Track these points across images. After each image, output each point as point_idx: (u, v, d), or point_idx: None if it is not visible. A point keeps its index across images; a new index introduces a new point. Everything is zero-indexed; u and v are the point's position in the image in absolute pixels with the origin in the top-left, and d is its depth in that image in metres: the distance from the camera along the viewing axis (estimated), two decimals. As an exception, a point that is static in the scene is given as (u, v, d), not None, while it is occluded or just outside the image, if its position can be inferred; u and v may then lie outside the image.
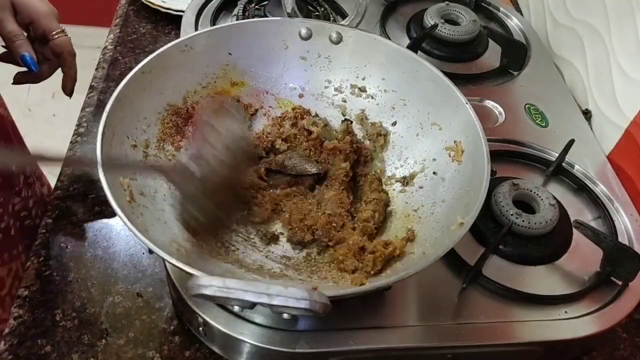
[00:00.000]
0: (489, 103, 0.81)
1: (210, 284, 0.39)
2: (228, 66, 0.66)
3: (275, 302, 0.39)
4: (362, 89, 0.68)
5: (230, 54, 0.66)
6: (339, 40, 0.67)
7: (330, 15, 0.89)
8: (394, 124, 0.67)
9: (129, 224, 0.46)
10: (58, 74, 0.70)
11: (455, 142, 0.60)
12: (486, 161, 0.54)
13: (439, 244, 0.52)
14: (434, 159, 0.62)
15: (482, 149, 0.55)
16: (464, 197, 0.55)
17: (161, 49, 0.60)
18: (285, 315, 0.40)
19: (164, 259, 0.45)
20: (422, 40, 0.84)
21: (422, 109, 0.64)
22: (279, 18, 0.68)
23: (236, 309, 0.40)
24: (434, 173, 0.61)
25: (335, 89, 0.69)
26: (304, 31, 0.67)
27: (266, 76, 0.68)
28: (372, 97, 0.68)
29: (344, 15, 0.92)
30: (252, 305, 0.39)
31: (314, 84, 0.69)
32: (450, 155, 0.60)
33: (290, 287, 0.39)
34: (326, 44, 0.67)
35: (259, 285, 0.39)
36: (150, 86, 0.60)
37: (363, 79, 0.68)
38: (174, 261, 0.45)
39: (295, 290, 0.39)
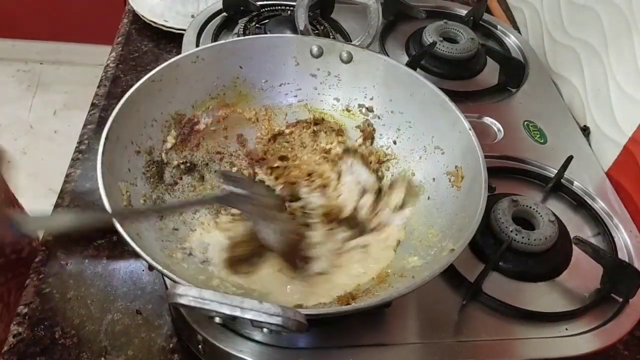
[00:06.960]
0: (488, 120, 0.82)
1: (186, 293, 0.39)
2: (238, 79, 0.67)
3: (248, 316, 0.39)
4: (370, 109, 0.69)
5: (241, 67, 0.67)
6: (349, 60, 0.68)
7: (330, 34, 0.90)
8: (395, 143, 0.67)
9: (118, 227, 0.46)
10: (61, 86, 0.70)
11: (456, 167, 0.60)
12: (483, 190, 0.54)
13: (429, 268, 0.52)
14: (434, 180, 0.62)
15: (481, 177, 0.55)
16: (456, 222, 0.55)
17: (173, 59, 0.61)
18: (264, 330, 0.40)
19: (161, 273, 0.45)
20: (421, 58, 0.85)
21: (427, 132, 0.65)
22: (291, 35, 0.69)
23: (217, 320, 0.40)
24: (432, 197, 0.62)
25: (343, 108, 0.70)
26: (315, 49, 0.68)
27: (276, 91, 0.69)
28: (379, 117, 0.69)
29: (343, 33, 0.93)
30: (232, 318, 0.39)
31: (323, 102, 0.70)
32: (450, 181, 0.61)
33: (265, 302, 0.39)
34: (336, 63, 0.68)
35: (234, 298, 0.39)
36: (159, 94, 0.60)
37: (371, 99, 0.69)
38: (157, 265, 0.45)
39: (269, 305, 0.39)
